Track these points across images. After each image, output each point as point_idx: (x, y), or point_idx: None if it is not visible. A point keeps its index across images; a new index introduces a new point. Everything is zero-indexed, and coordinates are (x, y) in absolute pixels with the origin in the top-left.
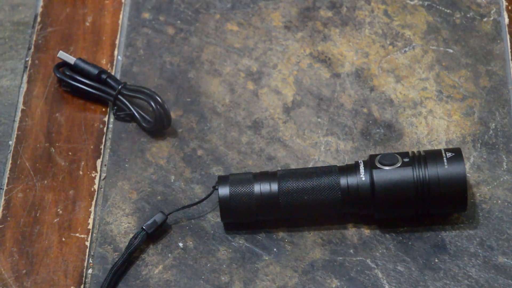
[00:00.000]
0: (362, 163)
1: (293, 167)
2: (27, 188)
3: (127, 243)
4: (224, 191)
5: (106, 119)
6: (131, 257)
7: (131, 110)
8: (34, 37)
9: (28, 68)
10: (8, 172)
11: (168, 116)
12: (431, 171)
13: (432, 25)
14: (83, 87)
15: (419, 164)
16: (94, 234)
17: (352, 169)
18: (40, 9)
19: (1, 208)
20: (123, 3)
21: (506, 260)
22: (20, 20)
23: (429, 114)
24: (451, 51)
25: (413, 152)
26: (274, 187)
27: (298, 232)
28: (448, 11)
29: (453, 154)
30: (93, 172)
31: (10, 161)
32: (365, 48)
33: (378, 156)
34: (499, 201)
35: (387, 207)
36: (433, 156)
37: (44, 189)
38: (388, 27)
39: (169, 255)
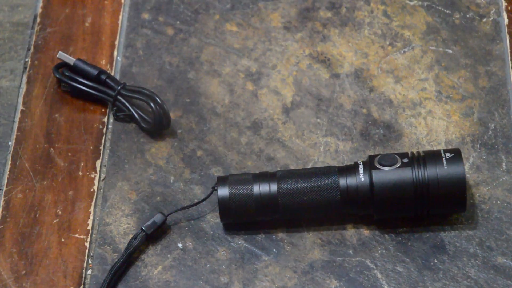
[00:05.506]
0: (361, 163)
1: (292, 167)
2: (26, 189)
3: (126, 244)
4: (223, 191)
5: (105, 119)
6: (130, 257)
7: (130, 110)
8: (34, 38)
9: (27, 68)
10: (7, 172)
11: (167, 116)
12: (430, 172)
13: (432, 25)
14: (82, 88)
15: (418, 164)
16: (94, 235)
17: (351, 169)
18: (39, 10)
19: (1, 208)
20: (123, 3)
21: (505, 260)
22: (19, 20)
23: (428, 114)
24: (450, 51)
25: (412, 153)
26: (274, 187)
27: (297, 232)
28: (447, 11)
29: (452, 154)
30: (93, 172)
31: (10, 162)
32: (365, 48)
33: (377, 157)
34: (498, 202)
35: (386, 208)
36: (433, 157)
37: (44, 190)
38: (388, 28)
39: (169, 255)
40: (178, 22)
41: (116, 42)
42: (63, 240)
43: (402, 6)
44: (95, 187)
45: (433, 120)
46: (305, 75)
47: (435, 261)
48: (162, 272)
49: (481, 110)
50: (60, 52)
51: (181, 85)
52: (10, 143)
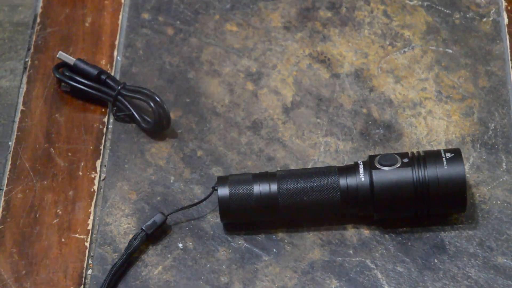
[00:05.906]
0: (361, 163)
1: (292, 167)
2: (26, 189)
3: (126, 244)
4: (223, 191)
5: (105, 119)
6: (130, 257)
7: (130, 110)
8: (34, 38)
9: (27, 68)
10: (7, 172)
11: (167, 116)
12: (430, 172)
13: (432, 25)
14: (82, 88)
15: (418, 164)
16: (94, 235)
17: (351, 169)
18: (39, 10)
19: (1, 208)
20: (123, 3)
21: (505, 260)
22: (19, 20)
23: (428, 114)
24: (450, 51)
25: (412, 153)
26: (274, 187)
27: (297, 232)
28: (447, 11)
29: (453, 154)
30: (93, 172)
31: (10, 162)
32: (365, 48)
33: (378, 157)
34: (499, 202)
35: (387, 208)
36: (433, 157)
37: (44, 190)
38: (388, 28)
39: (169, 255)
40: (178, 22)
41: (116, 42)
42: (63, 240)
43: (402, 6)
44: (95, 187)
45: (433, 120)
46: (305, 75)
47: (435, 261)
48: (162, 272)
49: (481, 110)
50: (60, 52)
51: (181, 85)
52: (10, 143)
